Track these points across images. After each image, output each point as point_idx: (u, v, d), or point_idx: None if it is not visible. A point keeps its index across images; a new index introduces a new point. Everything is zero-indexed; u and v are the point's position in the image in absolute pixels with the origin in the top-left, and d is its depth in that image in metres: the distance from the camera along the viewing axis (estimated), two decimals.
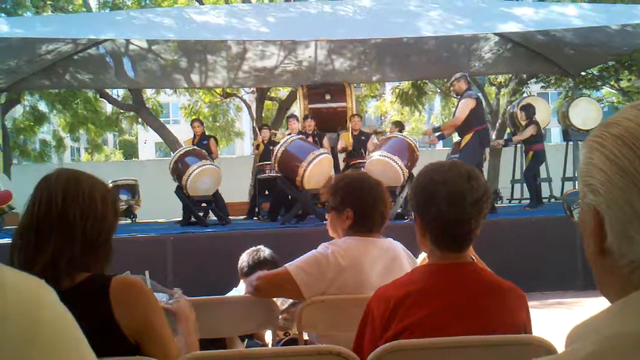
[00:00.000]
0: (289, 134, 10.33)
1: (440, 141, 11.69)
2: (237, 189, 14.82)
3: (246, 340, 3.40)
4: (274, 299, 2.82)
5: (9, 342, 0.66)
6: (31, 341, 0.67)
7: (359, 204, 2.64)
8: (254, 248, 3.74)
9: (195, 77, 12.97)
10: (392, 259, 2.59)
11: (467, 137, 8.78)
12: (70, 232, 1.78)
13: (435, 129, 10.28)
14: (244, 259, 3.72)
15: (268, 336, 3.32)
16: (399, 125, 11.23)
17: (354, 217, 2.64)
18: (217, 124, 22.88)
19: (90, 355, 0.75)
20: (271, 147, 10.19)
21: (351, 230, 2.66)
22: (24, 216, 1.83)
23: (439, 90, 20.17)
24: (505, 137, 12.32)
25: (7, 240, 7.76)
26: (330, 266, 2.54)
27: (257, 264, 3.59)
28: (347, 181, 2.76)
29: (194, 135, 11.05)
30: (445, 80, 16.58)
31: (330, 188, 2.78)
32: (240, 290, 3.70)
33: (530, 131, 10.13)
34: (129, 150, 42.26)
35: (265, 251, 3.68)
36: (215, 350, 1.80)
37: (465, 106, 8.76)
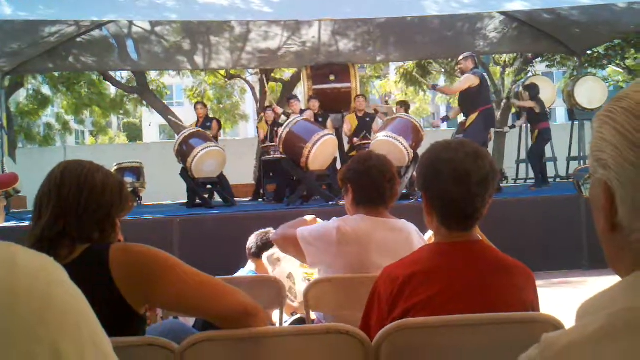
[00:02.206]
0: (291, 114, 10.33)
1: (445, 123, 11.73)
2: (242, 171, 14.84)
3: None
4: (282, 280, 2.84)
5: (19, 319, 0.66)
6: (41, 318, 0.67)
7: (355, 177, 2.70)
8: (263, 230, 3.77)
9: (198, 59, 12.90)
10: (402, 240, 2.60)
11: (473, 117, 8.77)
12: (65, 202, 1.82)
13: (444, 118, 10.38)
14: (252, 240, 3.75)
15: (275, 316, 3.34)
16: (404, 105, 11.21)
17: (353, 190, 2.70)
18: (222, 106, 22.83)
19: (100, 332, 0.76)
20: (276, 129, 10.18)
21: (357, 206, 2.70)
22: (35, 204, 1.89)
23: (443, 70, 20.07)
24: (510, 118, 12.26)
25: (14, 224, 7.79)
26: (333, 242, 2.58)
27: (265, 245, 3.62)
28: (349, 162, 2.84)
29: (197, 118, 11.04)
30: (450, 60, 16.48)
31: (339, 175, 2.84)
32: (247, 270, 3.72)
33: (530, 103, 10.11)
34: (133, 133, 42.23)
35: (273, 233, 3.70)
36: (223, 330, 1.80)
37: (465, 80, 8.80)
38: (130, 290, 1.73)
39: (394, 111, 10.67)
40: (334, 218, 2.70)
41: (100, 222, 1.86)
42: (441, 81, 24.43)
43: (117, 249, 1.77)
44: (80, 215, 1.82)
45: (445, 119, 10.51)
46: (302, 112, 10.18)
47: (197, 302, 1.79)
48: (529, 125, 10.83)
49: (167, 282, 1.77)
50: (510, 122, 16.65)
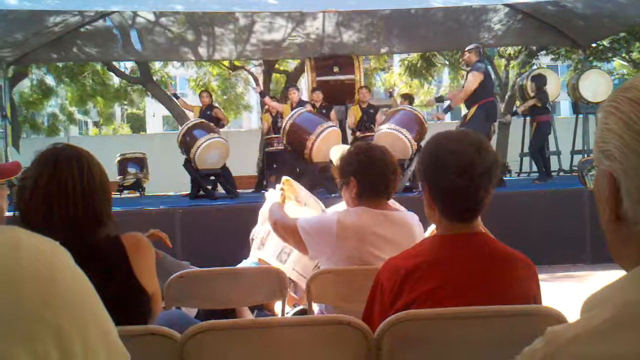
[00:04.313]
0: (289, 103, 10.34)
1: (449, 114, 11.68)
2: (245, 162, 14.83)
3: (255, 311, 3.43)
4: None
5: (23, 301, 0.67)
6: (45, 300, 0.68)
7: (359, 169, 2.66)
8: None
9: (202, 50, 12.89)
10: (403, 232, 2.59)
11: (473, 110, 8.75)
12: (96, 194, 1.89)
13: (438, 99, 10.24)
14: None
15: (277, 308, 3.35)
16: (408, 98, 11.19)
17: (357, 183, 2.66)
18: (226, 97, 22.81)
19: (105, 315, 0.76)
20: (279, 120, 10.17)
21: (360, 198, 2.67)
22: (25, 185, 1.88)
23: (447, 62, 20.01)
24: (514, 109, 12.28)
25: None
26: (332, 235, 2.57)
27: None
28: (347, 153, 2.81)
29: (202, 106, 11.05)
30: (455, 52, 16.45)
31: (336, 167, 2.83)
32: (250, 262, 3.72)
33: (532, 102, 10.10)
34: (137, 124, 42.22)
35: None
36: (225, 319, 1.81)
37: (474, 79, 8.73)
38: (143, 275, 1.93)
39: (398, 104, 10.66)
40: (335, 211, 2.69)
41: (104, 211, 1.92)
42: (445, 73, 24.37)
43: (130, 238, 1.97)
44: (84, 204, 1.86)
45: (447, 110, 10.40)
46: (301, 102, 10.16)
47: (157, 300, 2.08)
48: (530, 118, 10.81)
49: (154, 272, 2.04)
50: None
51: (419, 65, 18.88)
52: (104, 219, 1.91)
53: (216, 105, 12.16)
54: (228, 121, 11.08)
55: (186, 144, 9.48)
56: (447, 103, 9.76)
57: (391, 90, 13.30)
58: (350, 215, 2.62)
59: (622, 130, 0.77)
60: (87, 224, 1.85)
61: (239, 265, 3.65)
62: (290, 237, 2.78)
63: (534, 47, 16.57)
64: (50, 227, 1.78)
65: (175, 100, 12.54)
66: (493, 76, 13.95)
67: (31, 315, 0.66)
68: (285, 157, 9.43)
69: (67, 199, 1.84)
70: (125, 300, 1.83)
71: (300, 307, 3.25)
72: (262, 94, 11.29)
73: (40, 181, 1.84)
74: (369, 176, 2.64)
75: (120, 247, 1.91)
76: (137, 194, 12.55)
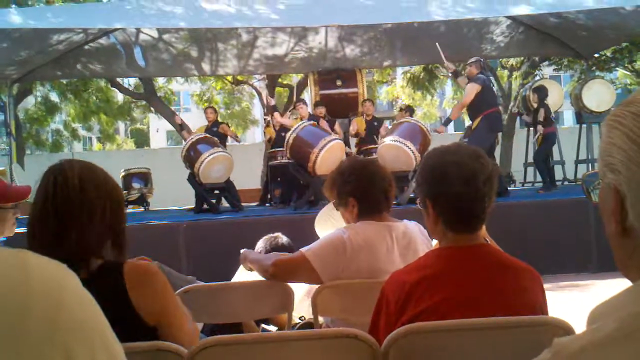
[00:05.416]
0: (297, 118, 10.35)
1: (452, 125, 11.75)
2: (249, 176, 14.83)
3: (261, 325, 3.42)
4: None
5: (33, 323, 0.67)
6: (56, 323, 0.68)
7: (357, 189, 2.63)
8: (271, 235, 3.71)
9: (205, 66, 12.95)
10: (407, 243, 2.58)
11: (477, 121, 8.81)
12: (90, 216, 1.77)
13: (446, 122, 10.41)
14: (261, 245, 3.70)
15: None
16: (408, 110, 11.23)
17: (357, 202, 2.64)
18: (230, 111, 22.87)
19: (113, 338, 0.76)
20: (283, 134, 10.18)
21: (362, 215, 2.65)
22: (36, 204, 1.81)
23: (450, 74, 20.02)
24: (518, 120, 12.28)
25: (23, 230, 7.81)
26: (347, 251, 2.52)
27: (275, 250, 3.59)
28: (337, 173, 2.75)
29: (208, 123, 11.08)
30: (457, 64, 16.45)
31: (328, 188, 2.77)
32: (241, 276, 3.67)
33: (540, 115, 10.08)
34: (141, 139, 42.35)
35: (282, 238, 3.66)
36: (231, 335, 1.80)
37: (471, 90, 8.82)
38: (144, 306, 1.76)
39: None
40: (340, 228, 2.63)
41: (120, 234, 1.86)
42: (448, 86, 24.40)
43: (132, 266, 1.79)
44: (103, 229, 1.80)
45: (447, 122, 10.53)
46: (310, 117, 10.19)
47: (170, 326, 1.84)
48: (534, 128, 10.81)
49: (170, 309, 1.84)
50: (518, 125, 16.65)
51: (421, 77, 18.90)
52: (91, 247, 1.73)
53: (222, 122, 12.17)
54: (238, 138, 11.13)
55: (190, 158, 9.51)
56: (447, 114, 9.87)
57: (394, 102, 13.34)
58: (359, 230, 2.58)
59: (625, 144, 0.78)
60: (71, 253, 1.66)
61: (234, 277, 3.61)
62: (299, 269, 2.59)
63: (537, 58, 16.59)
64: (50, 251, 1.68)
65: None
66: (495, 87, 13.99)
67: (40, 337, 0.67)
68: (289, 170, 9.44)
69: (41, 221, 1.71)
70: (123, 334, 1.69)
71: (306, 320, 3.24)
72: (274, 108, 11.23)
73: (35, 202, 1.79)
74: (368, 194, 2.62)
75: (119, 281, 1.72)
76: (142, 209, 12.55)
